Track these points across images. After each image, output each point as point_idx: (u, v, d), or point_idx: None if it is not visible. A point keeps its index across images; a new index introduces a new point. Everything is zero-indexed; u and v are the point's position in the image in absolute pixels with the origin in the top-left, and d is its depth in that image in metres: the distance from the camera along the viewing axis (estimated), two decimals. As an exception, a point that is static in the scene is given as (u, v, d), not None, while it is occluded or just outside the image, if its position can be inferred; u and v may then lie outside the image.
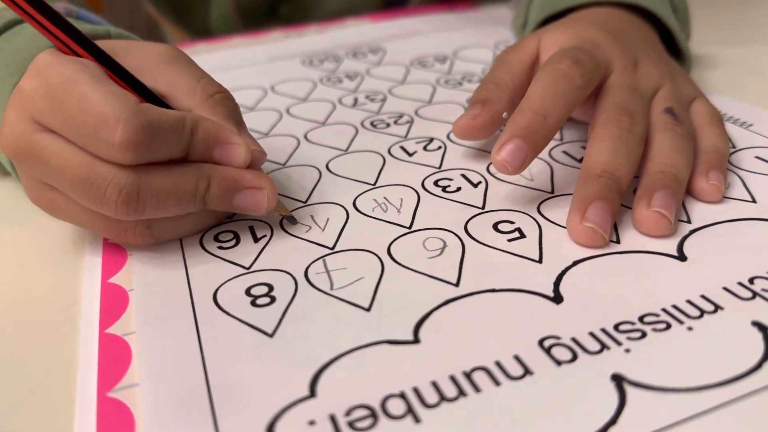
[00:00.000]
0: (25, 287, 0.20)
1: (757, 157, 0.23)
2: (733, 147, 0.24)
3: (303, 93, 0.32)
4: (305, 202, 0.23)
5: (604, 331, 0.16)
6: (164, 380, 0.15)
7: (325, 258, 0.19)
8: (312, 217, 0.22)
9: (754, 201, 0.21)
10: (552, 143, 0.25)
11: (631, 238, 0.19)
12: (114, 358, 0.16)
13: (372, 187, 0.23)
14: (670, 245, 0.19)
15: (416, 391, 0.14)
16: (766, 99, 0.28)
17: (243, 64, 0.36)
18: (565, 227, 0.20)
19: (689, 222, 0.20)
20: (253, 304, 0.18)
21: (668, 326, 0.16)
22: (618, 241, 0.19)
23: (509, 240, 0.19)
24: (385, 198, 0.22)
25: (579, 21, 0.27)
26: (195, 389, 0.15)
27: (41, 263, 0.21)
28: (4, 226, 0.23)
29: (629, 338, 0.15)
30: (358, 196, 0.22)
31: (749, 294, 0.16)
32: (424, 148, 0.25)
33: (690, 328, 0.15)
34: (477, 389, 0.14)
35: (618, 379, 0.14)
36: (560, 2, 0.30)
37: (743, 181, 0.22)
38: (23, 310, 0.19)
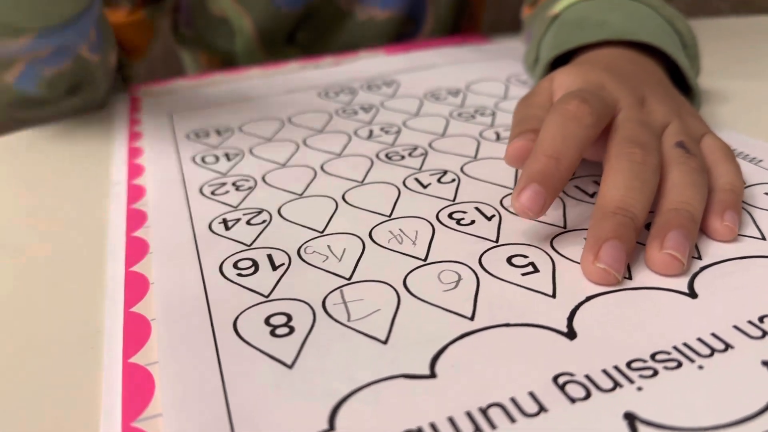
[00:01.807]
0: (47, 316, 0.20)
1: (767, 194, 0.24)
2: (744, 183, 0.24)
3: (320, 125, 0.33)
4: (322, 232, 0.23)
5: (616, 368, 0.16)
6: (187, 411, 0.15)
7: (342, 289, 0.20)
8: (329, 247, 0.22)
9: (763, 238, 0.21)
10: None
11: (643, 274, 0.19)
12: (138, 387, 0.16)
13: (387, 218, 0.24)
14: (681, 282, 0.19)
15: (433, 427, 0.15)
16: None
17: (261, 95, 0.37)
18: (578, 262, 0.20)
19: (700, 258, 0.20)
20: (273, 333, 0.18)
21: (679, 364, 0.16)
22: (630, 278, 0.19)
23: (523, 274, 0.20)
24: (400, 230, 0.23)
25: (585, 63, 0.28)
26: (217, 420, 0.15)
27: (63, 292, 0.21)
28: (25, 251, 0.24)
29: (641, 376, 0.16)
30: (374, 228, 0.23)
31: (759, 333, 0.17)
32: (438, 181, 0.26)
33: (701, 367, 0.16)
34: (493, 426, 0.14)
35: (630, 418, 0.14)
36: (570, 40, 0.31)
37: (753, 218, 0.22)
38: (46, 338, 0.19)
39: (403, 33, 0.54)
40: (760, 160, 0.26)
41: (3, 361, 0.19)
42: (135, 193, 0.27)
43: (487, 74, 0.38)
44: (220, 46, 0.53)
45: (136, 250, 0.22)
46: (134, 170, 0.29)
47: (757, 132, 0.29)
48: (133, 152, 0.31)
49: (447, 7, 0.53)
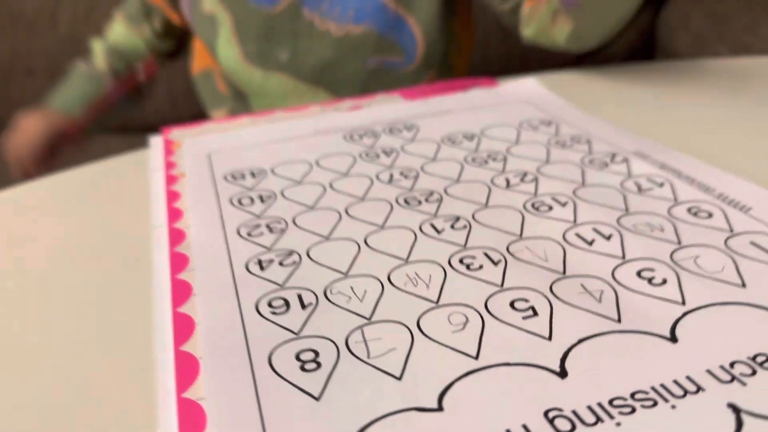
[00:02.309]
0: (100, 352, 0.23)
1: (753, 243, 0.26)
2: (731, 231, 0.27)
3: (344, 168, 0.36)
4: (345, 274, 0.26)
5: (599, 405, 0.18)
6: (231, 435, 0.18)
7: (363, 328, 0.22)
8: (352, 288, 0.25)
9: (743, 285, 0.23)
10: (566, 225, 0.28)
11: (630, 318, 0.22)
12: (191, 419, 0.19)
13: (404, 262, 0.26)
14: (665, 327, 0.21)
15: (439, 453, 0.17)
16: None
17: (290, 137, 0.41)
18: (574, 306, 0.23)
19: (683, 304, 0.22)
20: (302, 368, 0.21)
21: (655, 403, 0.18)
22: (619, 321, 0.22)
23: (523, 318, 0.22)
24: (416, 273, 0.25)
25: None
26: (257, 444, 0.18)
27: (113, 331, 0.25)
28: (74, 293, 0.27)
29: (620, 413, 0.18)
30: (392, 271, 0.26)
31: (728, 377, 0.19)
32: (452, 227, 0.29)
33: (673, 407, 0.18)
34: (489, 453, 0.17)
35: (609, 449, 0.17)
36: None
37: (736, 266, 0.24)
38: (102, 374, 0.22)
39: (396, 62, 0.58)
40: (750, 209, 0.28)
41: (60, 398, 0.22)
42: (176, 236, 0.30)
43: (501, 119, 0.41)
44: (208, 39, 0.63)
45: (182, 291, 0.26)
46: (174, 214, 0.32)
47: (753, 173, 0.31)
48: (171, 196, 0.34)
49: (435, 41, 0.58)
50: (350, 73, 0.59)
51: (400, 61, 0.58)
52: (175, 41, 0.79)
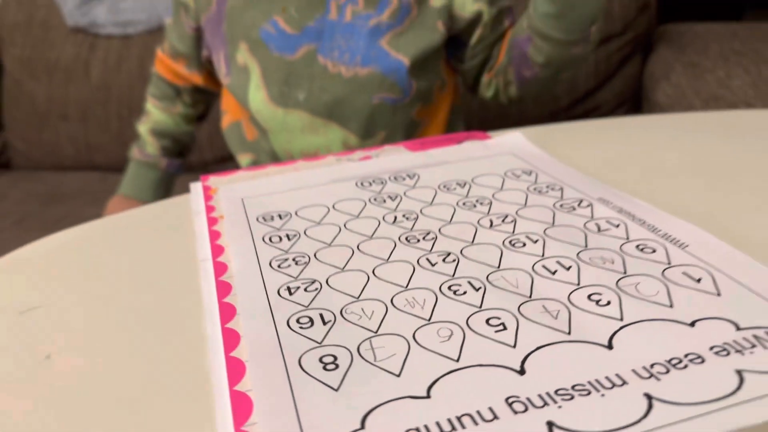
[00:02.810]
0: (159, 359, 0.30)
1: (684, 273, 0.32)
2: (669, 263, 0.33)
3: (356, 211, 0.43)
4: (357, 298, 0.32)
5: (548, 393, 0.25)
6: (273, 417, 0.25)
7: (371, 339, 0.29)
8: (362, 309, 0.31)
9: (671, 306, 0.29)
10: (535, 258, 0.34)
11: (579, 330, 0.28)
12: (241, 406, 0.26)
13: (404, 289, 0.33)
14: (604, 338, 0.28)
15: (427, 428, 0.23)
16: (706, 223, 0.37)
17: (311, 185, 0.48)
18: (536, 322, 0.29)
19: (621, 320, 0.29)
20: (325, 368, 0.27)
21: (589, 393, 0.24)
22: (569, 333, 0.28)
23: (496, 331, 0.29)
24: (413, 297, 0.32)
25: None
26: (291, 422, 0.24)
27: (171, 343, 0.31)
28: (138, 315, 0.34)
29: (563, 399, 0.24)
30: (394, 296, 0.32)
31: (648, 374, 0.25)
32: (443, 260, 0.35)
33: (603, 395, 0.24)
34: (463, 426, 0.23)
35: (550, 425, 0.23)
36: None
37: (668, 291, 0.31)
38: (160, 375, 0.29)
39: (395, 98, 0.68)
40: (687, 245, 0.35)
41: (132, 392, 0.28)
42: (220, 268, 0.37)
43: (489, 169, 0.48)
44: (241, 87, 0.73)
45: (228, 312, 0.32)
46: (216, 250, 0.39)
47: (699, 213, 0.37)
48: (214, 235, 0.41)
49: (427, 78, 0.69)
50: (358, 108, 0.68)
51: (399, 97, 0.68)
52: (205, 104, 0.92)
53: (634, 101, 1.00)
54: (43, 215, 1.13)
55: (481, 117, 0.98)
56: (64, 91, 1.34)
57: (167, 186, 0.93)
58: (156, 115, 0.90)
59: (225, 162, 1.28)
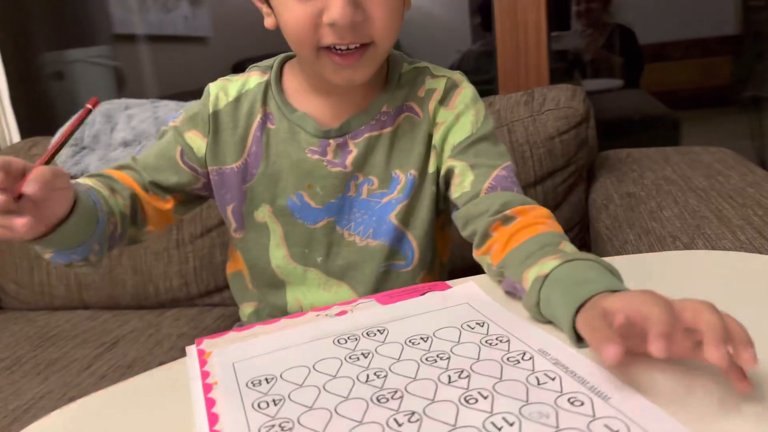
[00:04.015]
0: None
1: (606, 425, 0.39)
2: (594, 416, 0.40)
3: (334, 370, 0.49)
4: (336, 461, 0.38)
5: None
6: None
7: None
8: (341, 473, 0.37)
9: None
10: (485, 415, 0.41)
11: None
12: None
13: (376, 451, 0.39)
14: None
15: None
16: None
17: (293, 344, 0.54)
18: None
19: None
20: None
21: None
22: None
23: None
24: (383, 459, 0.38)
25: (608, 299, 0.46)
26: None
27: None
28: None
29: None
30: (367, 458, 0.38)
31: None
32: (408, 420, 0.41)
33: None
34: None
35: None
36: (582, 294, 0.48)
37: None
38: None
39: (397, 264, 0.76)
40: (610, 398, 0.41)
41: None
42: (217, 436, 0.42)
43: (447, 322, 0.55)
44: (258, 240, 0.79)
45: (226, 481, 0.38)
46: (212, 418, 0.45)
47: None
48: (209, 402, 0.47)
49: (425, 249, 0.76)
50: (367, 273, 0.77)
51: (403, 264, 0.78)
52: (145, 218, 0.78)
53: (583, 225, 1.11)
54: (36, 359, 1.16)
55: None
56: (56, 234, 1.41)
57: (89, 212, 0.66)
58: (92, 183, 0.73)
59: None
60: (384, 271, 0.77)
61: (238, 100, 0.76)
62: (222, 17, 3.30)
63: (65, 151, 1.44)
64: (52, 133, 1.49)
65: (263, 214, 0.78)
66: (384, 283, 0.78)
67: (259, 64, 0.80)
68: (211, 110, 0.76)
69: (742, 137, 2.52)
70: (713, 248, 0.71)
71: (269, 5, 0.69)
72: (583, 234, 1.12)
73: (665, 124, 2.08)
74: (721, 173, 0.95)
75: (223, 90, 0.77)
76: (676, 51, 3.44)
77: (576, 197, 1.11)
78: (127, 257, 1.34)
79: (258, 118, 0.75)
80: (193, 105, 0.79)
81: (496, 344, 0.50)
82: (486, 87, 1.47)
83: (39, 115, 2.18)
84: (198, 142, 0.77)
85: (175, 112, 1.41)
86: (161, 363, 1.11)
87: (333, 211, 0.76)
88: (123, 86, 2.72)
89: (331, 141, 0.73)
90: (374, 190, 0.75)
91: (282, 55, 0.79)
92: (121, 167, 0.78)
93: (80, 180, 0.74)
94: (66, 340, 1.24)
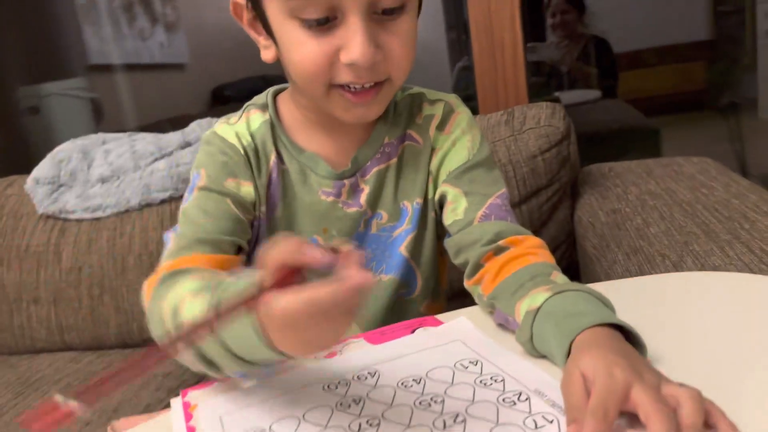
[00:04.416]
0: None
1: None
2: None
3: (324, 420, 0.48)
4: None
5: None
6: None
7: None
8: None
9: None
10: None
11: None
12: None
13: None
14: None
15: None
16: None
17: (282, 392, 0.52)
18: None
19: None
20: None
21: None
22: None
23: None
24: None
25: (594, 347, 0.44)
26: None
27: None
28: None
29: None
30: None
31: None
32: (404, 475, 0.40)
33: None
34: None
35: None
36: (574, 328, 0.47)
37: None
38: None
39: (401, 293, 0.75)
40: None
41: None
42: (206, 500, 0.40)
43: (440, 361, 0.53)
44: None
45: None
46: (202, 478, 0.43)
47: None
48: (198, 460, 0.45)
49: (429, 276, 0.76)
50: (378, 307, 0.76)
51: (406, 291, 0.77)
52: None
53: (569, 243, 1.10)
54: (17, 408, 1.12)
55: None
56: (35, 276, 1.38)
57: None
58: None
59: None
60: (392, 302, 0.76)
61: (253, 140, 0.71)
62: (198, 43, 3.28)
63: (42, 191, 1.41)
64: (28, 170, 1.46)
65: None
66: (390, 314, 0.76)
67: (252, 102, 0.75)
68: (242, 151, 0.69)
69: (721, 140, 2.55)
70: (702, 266, 0.70)
71: (272, 38, 0.63)
72: (570, 252, 1.11)
73: (645, 133, 2.10)
74: (704, 185, 0.95)
75: (233, 131, 0.71)
76: (651, 57, 3.50)
77: (561, 215, 1.10)
78: (109, 296, 1.32)
79: (273, 159, 0.71)
80: (206, 159, 0.70)
81: (491, 384, 0.49)
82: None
83: (14, 152, 2.14)
84: (244, 188, 0.70)
85: (152, 146, 1.39)
86: (148, 405, 1.10)
87: None
88: (101, 118, 2.68)
89: (345, 181, 0.71)
90: (383, 224, 0.74)
91: (272, 89, 0.74)
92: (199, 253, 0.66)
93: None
94: (49, 384, 1.20)
